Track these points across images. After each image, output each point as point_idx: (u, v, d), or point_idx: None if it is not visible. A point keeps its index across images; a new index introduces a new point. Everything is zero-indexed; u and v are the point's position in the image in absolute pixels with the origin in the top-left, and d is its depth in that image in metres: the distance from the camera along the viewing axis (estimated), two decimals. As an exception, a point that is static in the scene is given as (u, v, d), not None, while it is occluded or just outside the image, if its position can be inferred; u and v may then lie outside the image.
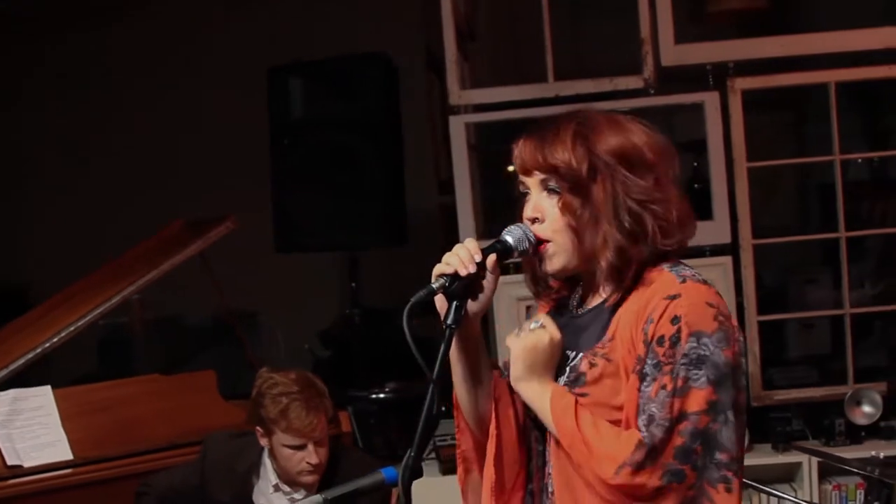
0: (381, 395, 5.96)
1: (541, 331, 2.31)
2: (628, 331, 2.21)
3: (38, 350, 4.76)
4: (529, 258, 2.38)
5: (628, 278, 2.25)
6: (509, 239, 2.34)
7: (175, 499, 4.08)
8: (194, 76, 7.12)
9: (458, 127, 5.15)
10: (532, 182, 2.32)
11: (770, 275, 6.00)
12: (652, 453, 2.09)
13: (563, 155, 2.26)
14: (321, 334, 6.90)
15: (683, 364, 2.12)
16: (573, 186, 2.25)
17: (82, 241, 5.89)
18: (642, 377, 2.17)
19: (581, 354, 2.29)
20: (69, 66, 7.30)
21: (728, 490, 2.11)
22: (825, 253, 6.46)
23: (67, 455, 4.55)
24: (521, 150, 2.33)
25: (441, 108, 6.66)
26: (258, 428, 3.90)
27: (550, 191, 2.29)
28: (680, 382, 2.11)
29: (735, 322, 2.21)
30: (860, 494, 4.97)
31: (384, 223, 5.67)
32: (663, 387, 2.12)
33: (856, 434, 5.10)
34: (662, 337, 2.15)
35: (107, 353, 6.17)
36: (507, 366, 2.38)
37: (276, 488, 3.96)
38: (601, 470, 2.14)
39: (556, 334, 2.30)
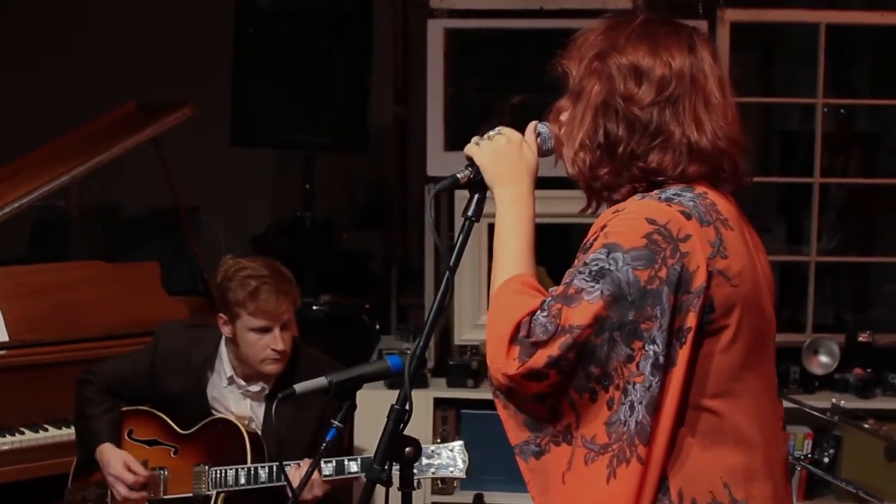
0: (324, 307, 5.96)
1: (498, 136, 2.34)
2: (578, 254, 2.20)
3: (-22, 226, 4.69)
4: None
5: (605, 199, 2.24)
6: (543, 129, 2.39)
7: (121, 388, 4.05)
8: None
9: (435, 32, 5.10)
10: None
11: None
12: (525, 346, 2.07)
13: (573, 61, 2.27)
14: (254, 239, 6.88)
15: (581, 272, 2.08)
16: (570, 94, 2.27)
17: (35, 127, 5.73)
18: None
19: None
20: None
21: (592, 400, 2.08)
22: (781, 203, 6.58)
23: (3, 336, 4.52)
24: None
25: (403, 16, 6.64)
26: (221, 315, 3.89)
27: None
28: (572, 291, 2.07)
29: (692, 246, 2.08)
30: (808, 444, 5.09)
31: (346, 126, 5.62)
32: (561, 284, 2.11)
33: (809, 383, 5.19)
34: (586, 243, 2.15)
35: (40, 237, 6.06)
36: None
37: (231, 381, 3.96)
38: (490, 336, 2.16)
39: (515, 135, 2.34)
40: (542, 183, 2.36)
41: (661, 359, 2.05)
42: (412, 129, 6.63)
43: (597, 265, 2.07)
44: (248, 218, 6.84)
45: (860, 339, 5.27)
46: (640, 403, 2.05)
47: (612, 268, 2.06)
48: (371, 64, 5.68)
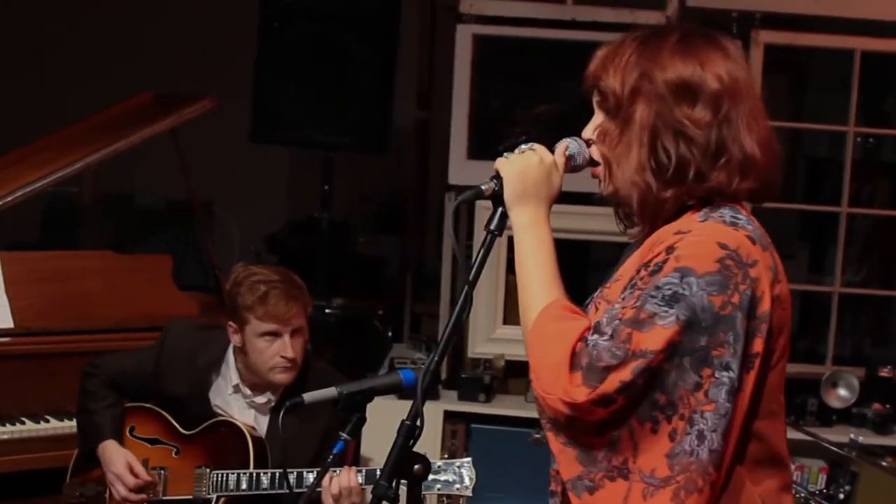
0: (336, 311, 5.89)
1: (530, 152, 2.29)
2: (631, 270, 2.17)
3: (-8, 207, 4.63)
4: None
5: (657, 218, 2.20)
6: (573, 147, 2.33)
7: (124, 384, 3.99)
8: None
9: (464, 37, 5.06)
10: (595, 100, 2.30)
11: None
12: (595, 371, 2.04)
13: (613, 76, 2.21)
14: (267, 238, 6.83)
15: (653, 296, 2.04)
16: (615, 113, 2.22)
17: (50, 114, 5.65)
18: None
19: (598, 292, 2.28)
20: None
21: (653, 431, 2.05)
22: (803, 230, 6.50)
23: (8, 322, 4.46)
24: (590, 64, 2.29)
25: (431, 18, 6.58)
26: (231, 323, 3.82)
27: (605, 112, 2.26)
28: (644, 315, 2.04)
29: (759, 273, 2.08)
30: (822, 479, 5.02)
31: (369, 127, 5.55)
32: (624, 307, 2.07)
33: (827, 416, 5.14)
34: (649, 262, 2.10)
35: (50, 224, 5.99)
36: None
37: (236, 389, 3.89)
38: (542, 366, 2.12)
39: (548, 156, 2.29)
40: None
41: (736, 384, 2.05)
42: (434, 133, 6.57)
43: (670, 289, 2.04)
44: (263, 215, 6.78)
45: (881, 373, 5.21)
46: (714, 431, 2.03)
47: (687, 293, 2.03)
48: (396, 65, 5.62)
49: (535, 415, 5.34)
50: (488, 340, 5.13)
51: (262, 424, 3.88)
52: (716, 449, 2.03)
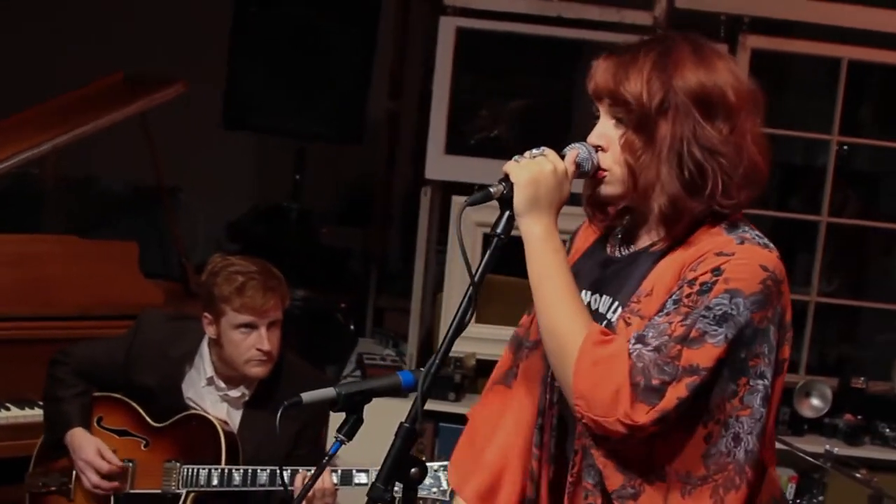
0: (298, 302, 5.85)
1: (542, 159, 2.29)
2: (667, 286, 2.23)
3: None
4: (590, 179, 2.37)
5: (680, 230, 2.27)
6: (583, 154, 2.33)
7: (94, 373, 3.94)
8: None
9: (447, 30, 5.00)
10: (602, 107, 2.33)
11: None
12: (653, 390, 2.13)
13: (635, 87, 2.24)
14: (229, 226, 6.77)
15: (704, 316, 2.15)
16: (639, 123, 2.25)
17: (16, 94, 5.54)
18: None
19: (618, 306, 2.30)
20: None
21: (689, 434, 2.18)
22: (774, 237, 6.51)
23: (-35, 307, 4.38)
24: (596, 72, 2.32)
25: (405, 8, 6.56)
26: (206, 314, 3.78)
27: (619, 121, 2.29)
28: (695, 333, 2.14)
29: (785, 288, 2.22)
30: (791, 488, 5.05)
31: (343, 117, 5.52)
32: (670, 322, 2.16)
33: (799, 426, 5.17)
34: (695, 280, 2.18)
35: (8, 206, 5.88)
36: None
37: (210, 382, 3.85)
38: (601, 390, 2.16)
39: (560, 164, 2.28)
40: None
41: (770, 391, 2.20)
42: (403, 126, 6.55)
43: (720, 310, 2.15)
44: (230, 203, 6.73)
45: (854, 384, 5.25)
46: (750, 434, 2.18)
47: (735, 313, 2.15)
48: (374, 55, 5.59)
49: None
50: (460, 338, 5.08)
51: (234, 419, 3.84)
52: (751, 450, 2.18)
